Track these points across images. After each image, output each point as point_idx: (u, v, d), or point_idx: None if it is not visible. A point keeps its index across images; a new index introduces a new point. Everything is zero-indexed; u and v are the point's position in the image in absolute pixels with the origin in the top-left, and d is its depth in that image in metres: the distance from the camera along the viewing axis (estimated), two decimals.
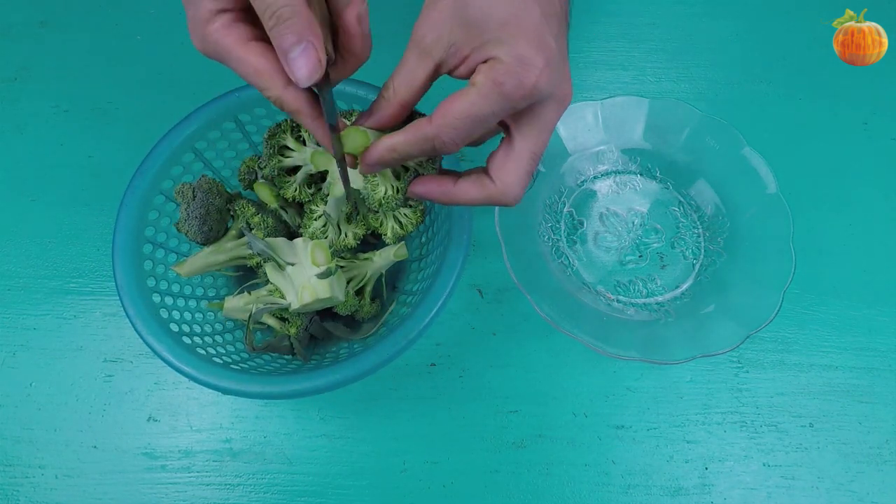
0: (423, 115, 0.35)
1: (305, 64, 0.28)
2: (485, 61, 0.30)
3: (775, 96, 0.65)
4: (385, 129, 0.33)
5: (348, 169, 0.36)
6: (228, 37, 0.29)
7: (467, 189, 0.34)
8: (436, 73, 0.32)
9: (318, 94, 0.31)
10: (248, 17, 0.30)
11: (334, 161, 0.47)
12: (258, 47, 0.30)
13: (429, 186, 0.36)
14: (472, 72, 0.31)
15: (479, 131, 0.32)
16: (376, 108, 0.33)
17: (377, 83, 0.49)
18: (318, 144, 0.47)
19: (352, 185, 0.41)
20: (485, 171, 0.34)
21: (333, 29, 0.31)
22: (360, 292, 0.51)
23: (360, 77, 0.48)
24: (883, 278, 0.56)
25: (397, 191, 0.39)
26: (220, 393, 0.41)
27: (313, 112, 0.31)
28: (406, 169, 0.38)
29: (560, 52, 0.31)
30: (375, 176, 0.40)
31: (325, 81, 0.30)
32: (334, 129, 0.32)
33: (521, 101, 0.30)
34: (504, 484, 0.49)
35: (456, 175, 0.36)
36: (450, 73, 0.32)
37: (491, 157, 0.34)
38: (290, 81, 0.30)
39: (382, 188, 0.39)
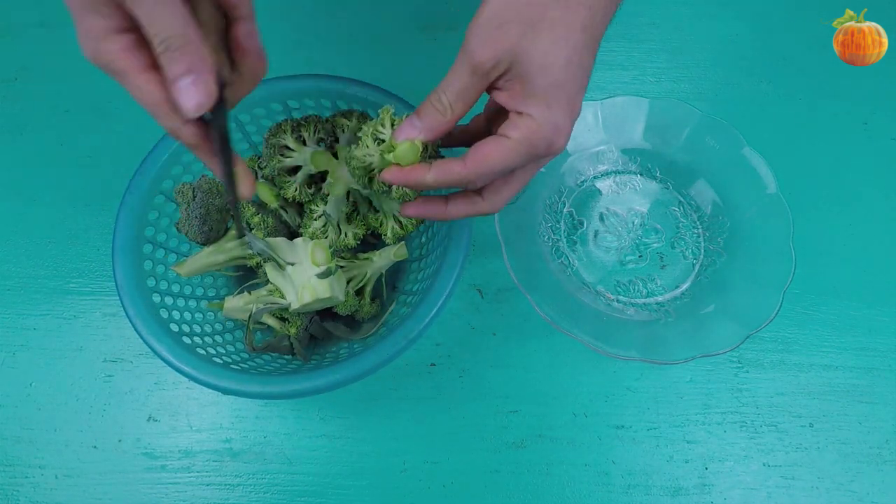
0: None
1: (194, 95, 0.27)
2: (521, 113, 0.32)
3: (775, 96, 0.65)
4: (436, 139, 0.34)
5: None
6: (125, 60, 0.28)
7: (459, 208, 0.37)
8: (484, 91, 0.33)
9: (212, 124, 0.30)
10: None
11: (334, 161, 0.47)
12: (155, 77, 0.28)
13: (422, 210, 0.38)
14: (509, 106, 0.32)
15: (505, 175, 0.35)
16: (431, 122, 0.33)
17: (382, 84, 0.48)
18: (317, 144, 0.47)
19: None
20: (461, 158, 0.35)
21: (227, 44, 0.30)
22: (360, 292, 0.51)
23: (364, 77, 0.49)
24: (883, 278, 0.56)
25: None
26: (220, 393, 0.41)
27: (212, 147, 0.31)
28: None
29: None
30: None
31: (220, 106, 0.29)
32: (229, 162, 0.31)
33: (542, 159, 0.34)
34: (504, 484, 0.49)
35: (445, 197, 0.38)
36: (488, 91, 0.33)
37: (473, 148, 0.35)
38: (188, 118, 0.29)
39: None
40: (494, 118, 0.37)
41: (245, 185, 0.33)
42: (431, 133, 0.34)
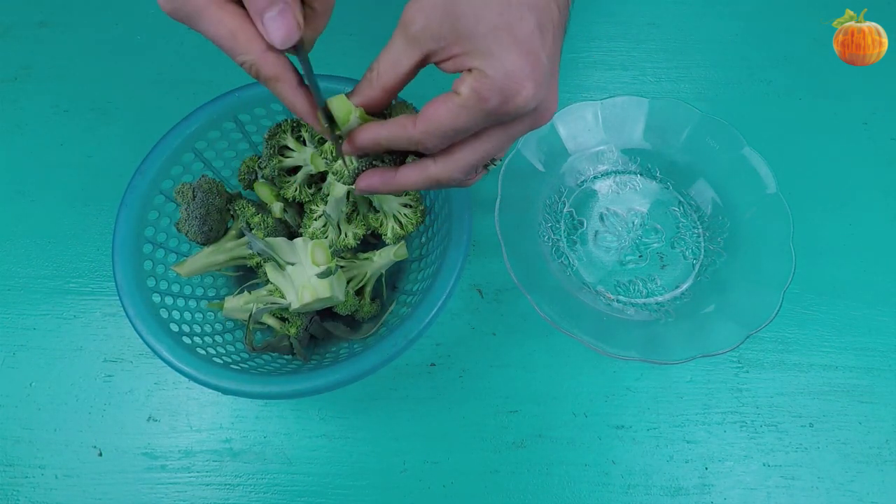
0: (410, 107, 0.35)
1: (283, 24, 0.27)
2: (470, 69, 0.29)
3: (775, 96, 0.65)
4: (369, 110, 0.33)
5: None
6: None
7: (408, 174, 0.34)
8: (422, 63, 0.31)
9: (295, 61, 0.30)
10: None
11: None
12: (233, 8, 0.28)
13: (370, 180, 0.35)
14: (458, 70, 0.30)
15: (462, 137, 0.32)
16: (360, 88, 0.32)
17: None
18: (317, 144, 0.47)
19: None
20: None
21: None
22: (360, 292, 0.51)
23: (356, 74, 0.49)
24: (883, 278, 0.56)
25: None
26: (220, 393, 0.41)
27: (294, 78, 0.30)
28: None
29: (551, 69, 0.30)
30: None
31: (301, 46, 0.29)
32: (317, 99, 0.31)
33: (504, 117, 0.30)
34: (504, 484, 0.49)
35: (396, 166, 0.35)
36: (436, 65, 0.31)
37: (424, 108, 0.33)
38: (268, 46, 0.28)
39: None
40: None
41: (349, 98, 0.32)
42: (360, 100, 0.32)
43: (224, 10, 0.28)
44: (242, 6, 0.28)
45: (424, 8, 0.29)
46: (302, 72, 0.31)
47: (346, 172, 0.37)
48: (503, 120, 0.30)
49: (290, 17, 0.27)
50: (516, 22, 0.28)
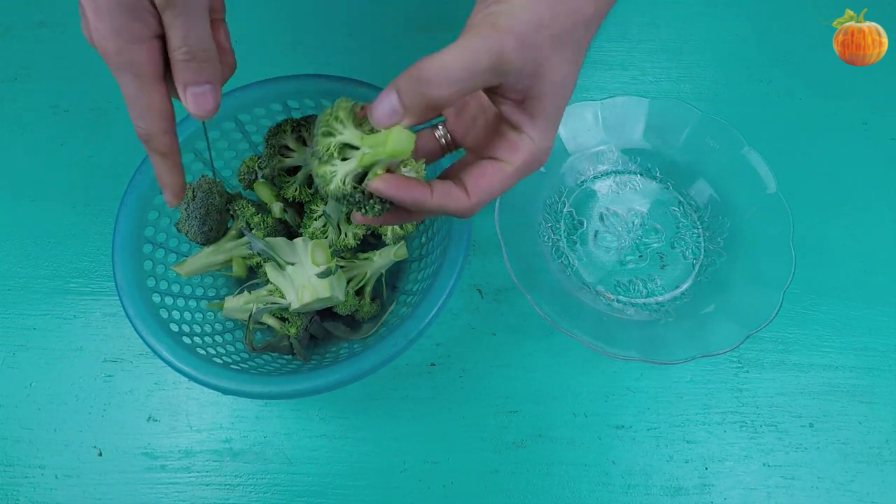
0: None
1: (206, 102, 0.30)
2: (522, 132, 0.31)
3: (775, 96, 0.65)
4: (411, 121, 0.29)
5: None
6: (149, 66, 0.29)
7: (442, 200, 0.32)
8: (486, 88, 0.29)
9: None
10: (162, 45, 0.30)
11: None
12: (164, 86, 0.30)
13: (401, 192, 0.30)
14: (507, 117, 0.31)
15: None
16: (416, 101, 0.28)
17: (382, 84, 0.48)
18: None
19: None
20: (460, 183, 0.32)
21: None
22: (360, 292, 0.51)
23: (364, 77, 0.49)
24: (883, 278, 0.56)
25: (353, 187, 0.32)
26: (220, 393, 0.41)
27: (177, 157, 0.33)
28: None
29: None
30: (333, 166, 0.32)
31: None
32: (208, 164, 0.34)
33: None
34: (504, 484, 0.49)
35: (428, 183, 0.32)
36: (490, 95, 0.31)
37: (473, 174, 0.32)
38: (171, 128, 0.31)
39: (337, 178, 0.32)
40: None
41: (178, 197, 0.34)
42: (416, 117, 0.28)
43: (158, 86, 0.30)
44: (167, 79, 0.31)
45: (528, 47, 0.28)
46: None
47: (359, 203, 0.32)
48: None
49: (212, 95, 0.30)
50: (565, 105, 0.31)
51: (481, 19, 0.28)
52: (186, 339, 0.43)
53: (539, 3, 0.28)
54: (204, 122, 0.35)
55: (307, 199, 0.49)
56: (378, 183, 0.29)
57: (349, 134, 0.30)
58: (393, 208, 0.32)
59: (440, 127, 0.35)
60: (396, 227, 0.48)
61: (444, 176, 0.34)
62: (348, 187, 0.30)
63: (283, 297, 0.47)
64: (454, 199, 0.31)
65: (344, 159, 0.30)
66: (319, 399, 0.51)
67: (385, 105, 0.28)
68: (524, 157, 0.31)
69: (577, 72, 0.31)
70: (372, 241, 0.54)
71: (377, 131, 0.29)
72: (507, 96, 0.30)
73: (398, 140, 0.28)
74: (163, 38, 0.30)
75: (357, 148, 0.30)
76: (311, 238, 0.48)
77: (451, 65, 0.27)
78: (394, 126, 0.28)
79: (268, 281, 0.48)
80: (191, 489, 0.49)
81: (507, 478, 0.49)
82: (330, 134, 0.30)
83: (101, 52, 0.29)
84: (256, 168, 0.51)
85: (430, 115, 0.28)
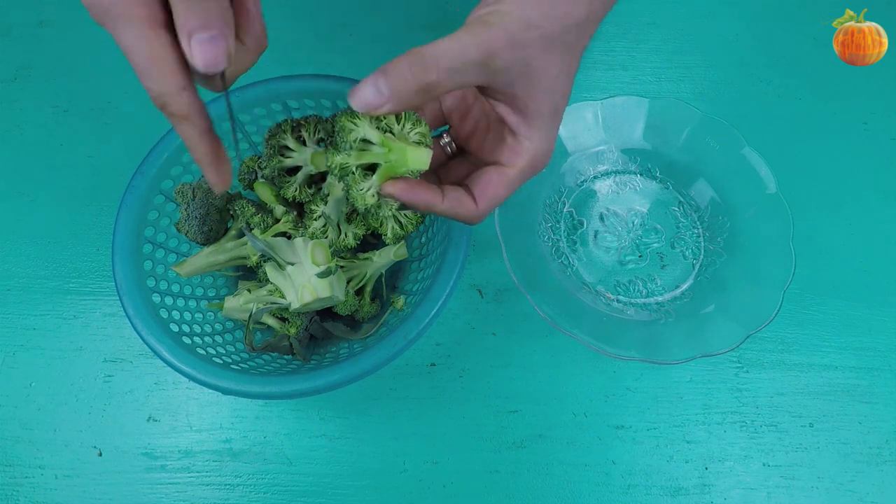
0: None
1: (212, 49, 0.25)
2: (521, 135, 0.32)
3: (775, 96, 0.65)
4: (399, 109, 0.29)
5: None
6: (141, 7, 0.25)
7: (453, 206, 0.33)
8: (479, 87, 0.31)
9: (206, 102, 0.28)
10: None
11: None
12: (165, 34, 0.25)
13: (413, 196, 0.32)
14: (505, 119, 0.32)
15: None
16: (401, 85, 0.28)
17: None
18: (317, 144, 0.47)
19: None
20: (468, 190, 0.34)
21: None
22: (360, 292, 0.51)
23: (364, 77, 0.49)
24: (883, 278, 0.56)
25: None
26: (220, 393, 0.41)
27: (203, 123, 0.27)
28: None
29: None
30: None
31: (222, 80, 0.27)
32: (234, 138, 0.32)
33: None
34: (504, 484, 0.49)
35: (439, 188, 0.33)
36: (486, 96, 0.33)
37: (479, 182, 0.34)
38: (188, 84, 0.26)
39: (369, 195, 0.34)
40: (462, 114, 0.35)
41: (222, 174, 0.29)
42: (399, 102, 0.28)
43: (157, 32, 0.25)
44: (172, 30, 0.25)
45: (517, 45, 0.29)
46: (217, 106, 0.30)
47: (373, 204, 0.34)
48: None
49: (222, 44, 0.25)
50: (563, 108, 0.32)
51: (475, 19, 0.30)
52: (186, 339, 0.43)
53: (529, 4, 0.29)
54: (227, 96, 0.29)
55: (307, 199, 0.49)
56: (391, 187, 0.31)
57: (367, 130, 0.32)
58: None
59: (445, 135, 0.36)
60: (396, 227, 0.48)
61: (452, 179, 0.36)
62: (375, 198, 0.33)
63: (283, 297, 0.47)
64: (464, 206, 0.33)
65: (361, 150, 0.32)
66: (319, 399, 0.51)
67: (368, 90, 0.28)
68: (525, 160, 0.32)
69: (570, 73, 0.31)
70: (372, 241, 0.54)
71: (390, 124, 0.31)
72: (500, 97, 0.31)
73: (416, 156, 0.31)
74: None
75: (374, 143, 0.32)
76: (311, 238, 0.48)
77: (444, 53, 0.28)
78: (375, 113, 0.29)
79: (268, 281, 0.48)
80: (191, 489, 0.49)
81: (507, 478, 0.49)
82: (350, 130, 0.31)
83: (90, 5, 0.25)
84: (256, 168, 0.51)
85: (416, 101, 0.28)
